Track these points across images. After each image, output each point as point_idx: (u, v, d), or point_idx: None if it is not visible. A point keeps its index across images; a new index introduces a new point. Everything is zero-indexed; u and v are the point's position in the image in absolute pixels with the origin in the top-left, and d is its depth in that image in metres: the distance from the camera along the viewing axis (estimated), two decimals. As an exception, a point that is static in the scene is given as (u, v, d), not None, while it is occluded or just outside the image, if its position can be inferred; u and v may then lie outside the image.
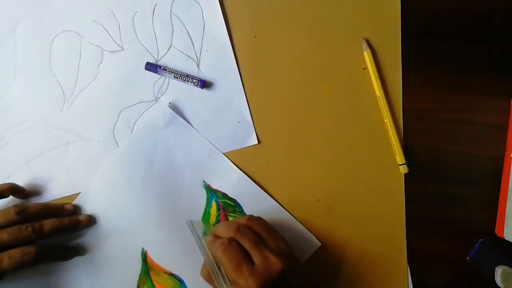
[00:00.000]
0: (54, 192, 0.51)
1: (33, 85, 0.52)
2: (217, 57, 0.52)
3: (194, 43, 0.52)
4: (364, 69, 0.53)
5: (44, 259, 0.48)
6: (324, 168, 0.53)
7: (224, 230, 0.44)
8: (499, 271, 0.51)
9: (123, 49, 0.52)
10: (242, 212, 0.52)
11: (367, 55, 0.52)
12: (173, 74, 0.51)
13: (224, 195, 0.52)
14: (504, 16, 0.53)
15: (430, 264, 0.54)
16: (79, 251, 0.51)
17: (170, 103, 0.52)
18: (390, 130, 0.52)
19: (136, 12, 0.52)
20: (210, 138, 0.52)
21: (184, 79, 0.51)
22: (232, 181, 0.52)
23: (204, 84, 0.51)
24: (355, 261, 0.53)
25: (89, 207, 0.51)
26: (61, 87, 0.52)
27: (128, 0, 0.52)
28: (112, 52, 0.52)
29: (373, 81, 0.52)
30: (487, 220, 0.53)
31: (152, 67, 0.51)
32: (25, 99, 0.52)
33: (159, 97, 0.52)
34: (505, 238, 0.51)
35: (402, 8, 0.52)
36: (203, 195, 0.52)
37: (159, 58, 0.52)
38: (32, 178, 0.51)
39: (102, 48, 0.52)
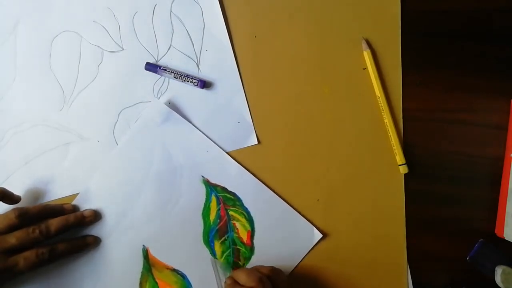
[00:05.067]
0: (54, 192, 0.51)
1: (33, 85, 0.52)
2: (217, 57, 0.52)
3: (194, 43, 0.52)
4: (364, 69, 0.53)
5: (58, 256, 0.48)
6: (324, 168, 0.53)
7: (245, 278, 0.45)
8: (499, 271, 0.51)
9: (123, 49, 0.52)
10: (242, 205, 0.52)
11: (367, 55, 0.52)
12: (173, 74, 0.51)
13: (224, 189, 0.52)
14: (504, 16, 0.53)
15: (430, 264, 0.54)
16: (95, 237, 0.51)
17: (170, 103, 0.52)
18: (390, 130, 0.52)
19: (136, 12, 0.52)
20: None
21: (184, 79, 0.51)
22: (231, 175, 0.52)
23: (204, 84, 0.51)
24: (355, 261, 0.53)
25: (88, 207, 0.51)
26: (61, 87, 0.52)
27: (128, 0, 0.52)
28: (112, 52, 0.52)
29: (373, 81, 0.52)
30: (487, 220, 0.53)
31: (152, 67, 0.51)
32: (25, 99, 0.52)
33: (159, 97, 0.52)
34: (505, 238, 0.51)
35: (402, 8, 0.52)
36: (202, 190, 0.52)
37: (159, 58, 0.52)
38: (32, 178, 0.51)
39: (102, 48, 0.52)
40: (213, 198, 0.52)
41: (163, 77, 0.52)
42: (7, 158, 0.51)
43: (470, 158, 0.53)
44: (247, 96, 0.52)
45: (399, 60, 0.53)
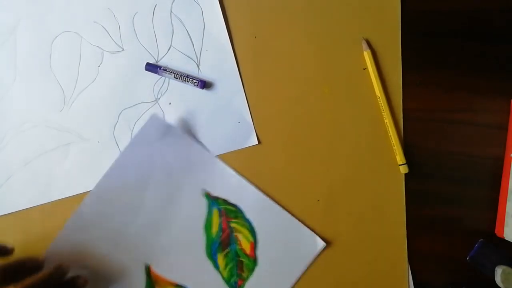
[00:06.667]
0: (54, 193, 0.51)
1: (33, 85, 0.52)
2: (217, 57, 0.52)
3: (194, 43, 0.52)
4: (364, 69, 0.53)
5: None
6: (324, 168, 0.53)
7: None
8: (499, 271, 0.51)
9: (123, 49, 0.52)
10: (244, 217, 0.52)
11: (367, 55, 0.52)
12: (173, 74, 0.51)
13: (225, 202, 0.52)
14: (504, 16, 0.53)
15: (430, 264, 0.54)
16: (85, 278, 0.48)
17: (170, 103, 0.52)
18: (390, 130, 0.52)
19: (136, 12, 0.52)
20: (210, 139, 0.52)
21: (184, 79, 0.51)
22: (232, 187, 0.52)
23: (204, 84, 0.51)
24: (355, 261, 0.53)
25: (85, 225, 0.50)
26: (61, 87, 0.52)
27: (128, 0, 0.52)
28: (112, 52, 0.52)
29: (373, 81, 0.52)
30: (487, 220, 0.53)
31: (152, 67, 0.51)
32: (25, 100, 0.52)
33: (159, 98, 0.52)
34: (505, 238, 0.51)
35: (402, 8, 0.52)
36: (203, 203, 0.52)
37: (159, 59, 0.52)
38: (32, 179, 0.51)
39: (102, 49, 0.52)
40: (215, 211, 0.52)
41: (163, 78, 0.52)
42: (7, 158, 0.51)
43: (470, 158, 0.53)
44: (247, 96, 0.52)
45: (399, 60, 0.53)
